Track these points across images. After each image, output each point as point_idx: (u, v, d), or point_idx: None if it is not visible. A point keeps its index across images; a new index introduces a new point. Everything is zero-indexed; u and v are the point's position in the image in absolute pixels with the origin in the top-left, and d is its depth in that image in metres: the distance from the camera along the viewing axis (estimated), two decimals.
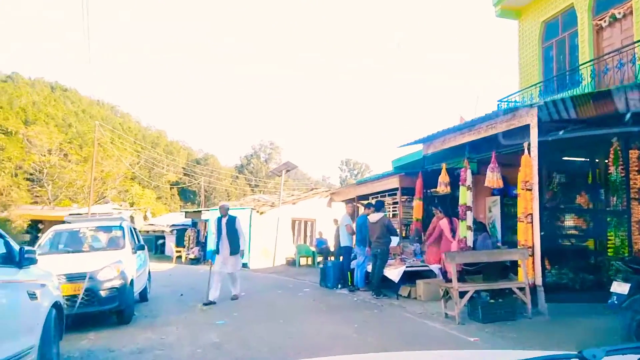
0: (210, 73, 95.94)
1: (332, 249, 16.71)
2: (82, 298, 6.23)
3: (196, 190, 54.98)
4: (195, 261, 22.08)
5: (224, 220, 8.78)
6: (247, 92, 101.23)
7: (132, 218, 31.87)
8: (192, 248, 23.67)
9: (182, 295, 9.81)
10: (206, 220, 20.45)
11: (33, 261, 4.11)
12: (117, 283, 6.52)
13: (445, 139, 9.85)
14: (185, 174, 57.53)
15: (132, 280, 7.10)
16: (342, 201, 17.58)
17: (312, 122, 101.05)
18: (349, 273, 9.98)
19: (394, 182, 11.56)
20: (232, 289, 8.84)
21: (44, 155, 37.83)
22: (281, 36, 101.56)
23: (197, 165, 59.05)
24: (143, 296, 9.02)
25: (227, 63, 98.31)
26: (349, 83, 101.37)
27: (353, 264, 10.06)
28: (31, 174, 38.80)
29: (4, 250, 3.86)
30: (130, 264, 7.30)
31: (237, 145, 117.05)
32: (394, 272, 8.55)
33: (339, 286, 10.13)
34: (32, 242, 16.82)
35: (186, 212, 28.33)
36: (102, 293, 6.35)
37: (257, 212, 20.12)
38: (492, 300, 6.59)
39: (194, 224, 25.34)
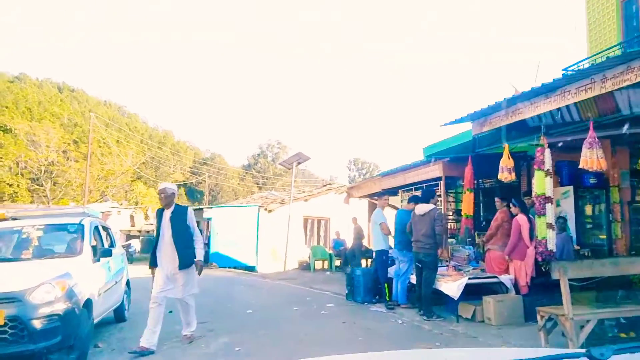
0: (218, 73, 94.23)
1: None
2: (4, 331, 4.12)
3: (203, 190, 53.50)
4: None
5: (167, 214, 5.40)
6: (254, 92, 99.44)
7: (131, 217, 30.03)
8: None
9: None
10: (209, 219, 18.32)
11: None
12: (59, 307, 4.36)
13: (507, 112, 7.59)
14: (192, 173, 56.07)
15: (88, 301, 4.96)
16: (362, 197, 15.42)
17: (320, 121, 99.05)
18: (385, 284, 7.76)
19: (435, 171, 9.33)
20: (184, 325, 5.61)
21: (42, 153, 36.28)
22: (288, 36, 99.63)
23: (204, 165, 57.46)
24: (119, 315, 6.92)
25: (234, 63, 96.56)
26: (358, 79, 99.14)
27: (390, 271, 7.88)
28: (33, 173, 37.37)
29: None
30: (88, 277, 5.16)
31: (244, 144, 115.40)
32: (452, 286, 6.32)
33: (373, 301, 7.92)
34: None
35: None
36: (36, 323, 4.20)
37: (265, 210, 18.02)
38: (622, 334, 4.38)
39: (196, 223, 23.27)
